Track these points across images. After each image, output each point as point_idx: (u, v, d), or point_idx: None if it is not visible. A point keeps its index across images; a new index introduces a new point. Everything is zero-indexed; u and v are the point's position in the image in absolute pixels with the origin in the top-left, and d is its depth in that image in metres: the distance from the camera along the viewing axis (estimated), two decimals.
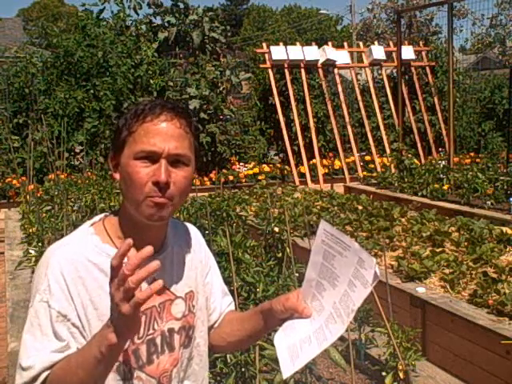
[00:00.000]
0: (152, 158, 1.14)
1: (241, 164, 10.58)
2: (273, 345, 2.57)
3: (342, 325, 1.08)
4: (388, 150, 10.51)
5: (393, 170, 8.90)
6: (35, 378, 1.10)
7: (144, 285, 1.18)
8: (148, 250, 0.94)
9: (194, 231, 1.41)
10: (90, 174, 7.45)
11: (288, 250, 3.02)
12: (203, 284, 1.36)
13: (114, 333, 0.97)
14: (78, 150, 9.95)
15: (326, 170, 10.58)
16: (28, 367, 1.10)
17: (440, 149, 11.16)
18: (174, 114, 1.17)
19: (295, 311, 1.18)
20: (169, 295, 1.25)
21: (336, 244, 1.11)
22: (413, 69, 11.50)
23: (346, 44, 11.80)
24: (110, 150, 1.23)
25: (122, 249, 0.94)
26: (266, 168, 10.38)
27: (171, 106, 1.19)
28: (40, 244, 4.62)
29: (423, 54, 11.83)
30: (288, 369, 1.11)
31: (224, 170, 10.20)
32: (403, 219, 5.50)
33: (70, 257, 1.16)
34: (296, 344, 1.14)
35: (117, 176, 1.21)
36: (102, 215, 1.27)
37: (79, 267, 1.15)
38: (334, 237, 1.11)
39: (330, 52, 10.68)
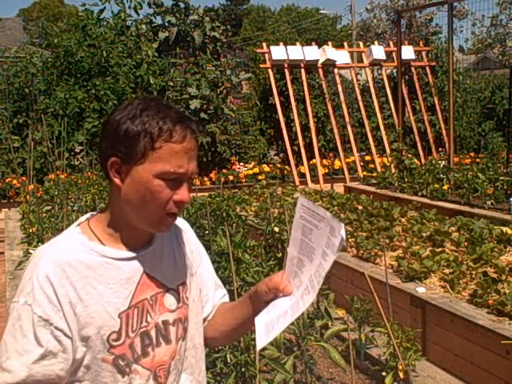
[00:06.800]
0: (177, 178, 1.17)
1: (241, 164, 10.56)
2: (272, 345, 2.58)
3: (314, 293, 1.12)
4: (388, 150, 10.50)
5: (393, 170, 8.90)
6: None
7: (132, 284, 1.20)
8: None
9: (183, 224, 1.42)
10: (90, 173, 7.45)
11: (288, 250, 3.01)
12: (195, 275, 1.37)
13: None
14: (78, 150, 9.94)
15: (326, 170, 10.57)
16: (6, 370, 1.11)
17: (440, 149, 11.15)
18: (191, 132, 1.19)
19: (277, 290, 1.22)
20: (160, 287, 1.26)
21: (312, 217, 1.13)
22: (413, 69, 11.49)
23: (345, 44, 11.79)
24: (113, 155, 1.17)
25: None
26: (266, 168, 10.37)
27: (189, 122, 1.20)
28: (40, 244, 4.62)
29: (423, 53, 11.82)
30: (261, 341, 1.15)
31: (224, 170, 10.20)
32: (403, 219, 5.50)
33: (56, 258, 1.17)
34: (274, 319, 1.18)
35: (118, 181, 1.19)
36: (88, 215, 1.29)
37: (66, 268, 1.16)
38: (309, 210, 1.14)
39: (329, 52, 10.68)
